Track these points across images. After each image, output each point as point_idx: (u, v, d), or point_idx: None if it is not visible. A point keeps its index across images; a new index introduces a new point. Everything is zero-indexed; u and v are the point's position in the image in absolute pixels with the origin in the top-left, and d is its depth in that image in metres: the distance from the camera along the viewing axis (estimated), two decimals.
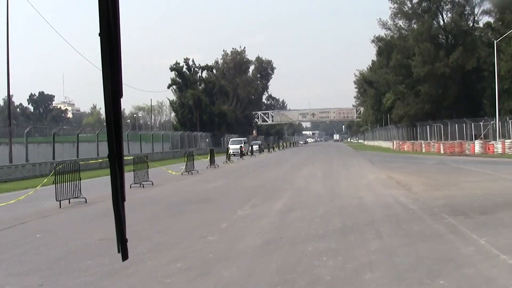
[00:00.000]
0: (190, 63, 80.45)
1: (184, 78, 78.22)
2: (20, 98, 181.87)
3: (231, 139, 55.16)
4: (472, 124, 46.93)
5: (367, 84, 73.50)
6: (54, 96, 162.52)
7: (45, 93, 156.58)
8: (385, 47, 60.02)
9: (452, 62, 52.85)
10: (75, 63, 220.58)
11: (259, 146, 55.00)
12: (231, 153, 40.78)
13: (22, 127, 42.18)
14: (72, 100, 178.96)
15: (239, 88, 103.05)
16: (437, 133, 52.63)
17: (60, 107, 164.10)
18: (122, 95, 1.90)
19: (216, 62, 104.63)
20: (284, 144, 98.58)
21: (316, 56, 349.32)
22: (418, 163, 31.39)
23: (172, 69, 77.69)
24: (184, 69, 79.45)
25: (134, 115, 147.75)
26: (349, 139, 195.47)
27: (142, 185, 19.52)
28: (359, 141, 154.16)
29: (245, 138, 56.35)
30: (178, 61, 78.73)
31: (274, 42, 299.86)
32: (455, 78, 53.79)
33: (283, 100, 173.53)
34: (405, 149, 54.99)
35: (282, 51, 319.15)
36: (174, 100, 78.70)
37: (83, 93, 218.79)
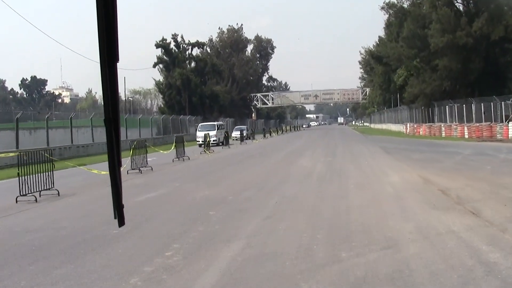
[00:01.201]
0: (179, 39, 72.80)
1: (171, 56, 70.58)
2: (13, 84, 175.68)
3: (200, 124, 43.16)
4: (502, 103, 39.30)
5: (374, 61, 65.44)
6: (47, 81, 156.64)
7: (38, 77, 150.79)
8: (396, 15, 52.09)
9: (475, 31, 45.01)
10: (75, 47, 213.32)
11: (241, 132, 46.21)
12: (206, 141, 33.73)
13: (12, 113, 38.67)
14: (70, 85, 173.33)
15: (236, 68, 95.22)
16: (457, 115, 45.04)
17: (53, 92, 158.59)
18: (118, 60, 1.87)
19: (211, 40, 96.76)
20: (285, 128, 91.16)
21: (320, 37, 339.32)
22: (449, 152, 23.99)
23: (158, 45, 70.03)
24: (172, 46, 71.74)
25: (130, 99, 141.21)
26: (353, 122, 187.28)
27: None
28: (365, 124, 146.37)
29: (221, 123, 45.69)
30: (165, 37, 70.98)
31: (276, 24, 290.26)
32: (479, 50, 45.97)
33: (285, 83, 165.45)
34: (420, 133, 47.50)
35: (284, 33, 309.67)
36: (161, 80, 71.14)
37: (82, 78, 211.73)
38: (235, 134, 49.15)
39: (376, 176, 15.34)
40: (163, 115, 63.38)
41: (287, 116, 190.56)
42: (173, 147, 25.30)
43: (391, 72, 63.40)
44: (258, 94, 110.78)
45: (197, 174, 18.20)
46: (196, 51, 77.29)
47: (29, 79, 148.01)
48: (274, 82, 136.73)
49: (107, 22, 1.79)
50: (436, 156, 21.78)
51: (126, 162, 18.78)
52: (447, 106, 46.72)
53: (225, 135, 39.15)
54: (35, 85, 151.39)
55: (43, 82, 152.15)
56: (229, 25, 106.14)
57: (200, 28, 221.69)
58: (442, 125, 44.47)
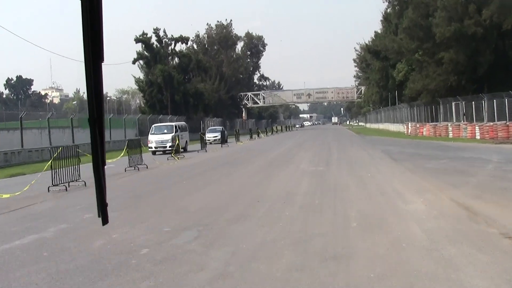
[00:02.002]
0: (161, 34, 67.54)
1: (152, 51, 65.36)
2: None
3: (153, 126, 33.17)
4: None
5: (371, 56, 60.40)
6: (33, 81, 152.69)
7: (23, 77, 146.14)
8: (396, 4, 47.16)
9: (485, 19, 40.16)
10: (65, 48, 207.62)
11: (222, 133, 41.88)
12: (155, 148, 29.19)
13: None
14: (60, 85, 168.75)
15: (224, 65, 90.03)
16: (466, 113, 40.15)
17: (40, 92, 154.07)
18: (103, 59, 1.87)
19: (197, 35, 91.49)
20: (276, 128, 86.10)
21: (314, 37, 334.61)
22: (470, 159, 18.99)
23: (138, 40, 64.75)
24: (154, 41, 66.51)
25: (114, 98, 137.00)
26: (348, 121, 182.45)
27: None
28: (360, 124, 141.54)
29: (182, 123, 35.75)
30: (145, 31, 65.75)
31: (269, 24, 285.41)
32: (488, 40, 41.14)
33: (278, 82, 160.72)
34: (423, 133, 42.58)
35: (277, 33, 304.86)
36: (141, 78, 65.89)
37: (72, 79, 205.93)
38: (210, 136, 43.36)
39: (388, 200, 10.34)
40: (140, 115, 58.32)
41: (280, 116, 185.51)
42: (122, 154, 20.13)
43: (390, 68, 58.52)
44: (249, 93, 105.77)
45: (134, 194, 13.09)
46: (180, 47, 72.07)
47: (15, 78, 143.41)
48: (266, 81, 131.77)
49: (92, 22, 1.79)
50: (458, 165, 16.79)
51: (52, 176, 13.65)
52: (453, 103, 41.80)
53: (200, 137, 33.88)
54: (20, 85, 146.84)
55: (29, 82, 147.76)
56: (218, 21, 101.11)
57: (188, 26, 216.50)
58: (449, 125, 39.55)
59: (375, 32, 69.20)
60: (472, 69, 42.07)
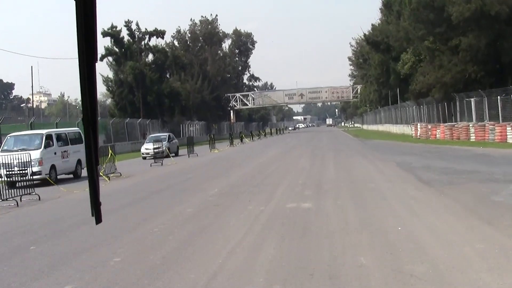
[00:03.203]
0: (134, 27, 59.77)
1: (123, 46, 57.61)
2: None
3: (7, 136, 19.20)
4: None
5: (370, 48, 52.78)
6: (14, 85, 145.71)
7: (4, 81, 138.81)
8: None
9: None
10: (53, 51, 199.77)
11: (169, 138, 33.09)
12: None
13: None
14: (48, 90, 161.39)
15: (209, 63, 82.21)
16: (490, 110, 32.64)
17: (21, 96, 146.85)
18: (97, 60, 1.88)
19: (178, 31, 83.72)
20: (264, 131, 78.23)
21: (306, 36, 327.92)
22: None
23: (105, 34, 56.93)
24: (124, 35, 58.76)
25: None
26: (343, 123, 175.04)
27: None
28: (355, 125, 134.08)
29: (77, 129, 22.47)
30: (114, 24, 58.00)
31: (261, 24, 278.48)
32: None
33: (271, 84, 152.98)
34: (437, 136, 34.99)
35: (269, 32, 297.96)
36: (111, 76, 58.08)
37: (60, 83, 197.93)
38: (147, 148, 30.60)
39: None
40: (112, 119, 50.75)
41: (273, 118, 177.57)
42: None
43: (391, 61, 50.97)
44: (237, 94, 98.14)
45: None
46: (156, 42, 64.36)
47: None
48: (256, 81, 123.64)
49: (86, 23, 1.80)
50: None
51: None
52: (472, 100, 34.25)
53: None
54: (0, 89, 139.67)
55: (10, 86, 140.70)
56: (202, 16, 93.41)
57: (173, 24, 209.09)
58: (470, 125, 32.01)
59: (372, 25, 61.77)
60: (495, 57, 34.67)
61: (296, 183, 13.76)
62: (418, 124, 37.89)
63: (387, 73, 55.38)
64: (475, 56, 34.59)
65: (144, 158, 29.97)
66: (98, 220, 2.00)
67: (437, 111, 37.87)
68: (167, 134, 36.24)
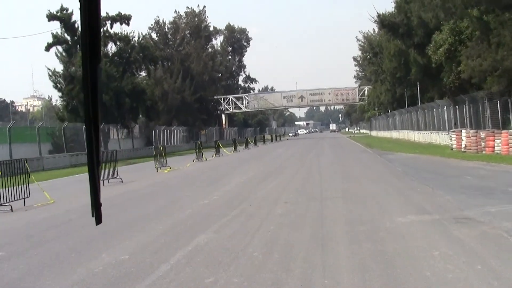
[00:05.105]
0: None
1: (75, 33, 46.02)
2: None
3: None
4: None
5: (386, 31, 40.80)
6: None
7: None
8: None
9: None
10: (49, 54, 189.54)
11: None
12: None
13: None
14: (42, 94, 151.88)
15: (194, 60, 70.66)
16: None
17: (5, 100, 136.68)
18: (100, 60, 1.88)
19: (157, 22, 72.26)
20: (254, 139, 66.01)
21: (308, 38, 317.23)
22: None
23: (52, 17, 45.42)
24: (77, 19, 47.12)
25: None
26: (347, 129, 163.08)
27: None
28: (361, 131, 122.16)
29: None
30: (65, 6, 46.45)
31: (259, 24, 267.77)
32: None
33: (272, 87, 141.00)
34: (495, 149, 23.08)
35: (268, 32, 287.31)
36: (59, 71, 46.42)
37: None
38: None
39: None
40: (64, 123, 39.47)
41: (272, 123, 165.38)
42: None
43: (413, 49, 39.18)
44: (230, 96, 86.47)
45: None
46: (120, 30, 52.84)
47: None
48: (253, 83, 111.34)
49: (90, 24, 1.79)
50: None
51: None
52: None
53: None
54: None
55: None
56: (188, 7, 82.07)
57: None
58: None
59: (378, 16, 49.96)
60: None
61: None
62: (463, 131, 25.96)
63: (405, 66, 43.66)
64: None
65: None
66: (99, 221, 1.98)
67: (492, 111, 25.90)
68: None
